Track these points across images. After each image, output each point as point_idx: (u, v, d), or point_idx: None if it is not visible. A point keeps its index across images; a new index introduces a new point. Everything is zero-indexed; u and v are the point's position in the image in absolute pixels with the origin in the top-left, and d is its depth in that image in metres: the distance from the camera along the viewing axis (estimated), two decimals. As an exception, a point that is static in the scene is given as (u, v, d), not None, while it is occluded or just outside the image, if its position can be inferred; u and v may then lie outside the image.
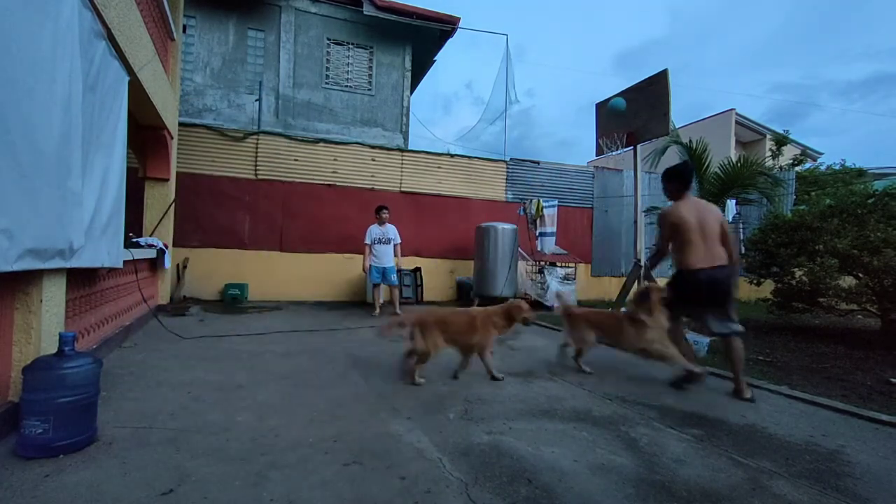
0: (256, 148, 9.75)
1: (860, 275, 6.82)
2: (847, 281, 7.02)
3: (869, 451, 2.89)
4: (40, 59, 2.53)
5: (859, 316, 9.09)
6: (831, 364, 5.41)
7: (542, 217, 10.52)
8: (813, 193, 13.41)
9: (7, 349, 2.66)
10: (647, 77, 5.88)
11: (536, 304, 10.02)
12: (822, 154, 23.64)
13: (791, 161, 20.19)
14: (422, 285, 10.42)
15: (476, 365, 4.80)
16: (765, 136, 22.01)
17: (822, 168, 20.90)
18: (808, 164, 21.35)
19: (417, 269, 10.51)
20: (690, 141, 9.25)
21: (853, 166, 19.79)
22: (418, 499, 2.13)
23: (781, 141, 20.50)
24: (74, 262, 3.12)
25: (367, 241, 8.05)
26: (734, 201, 10.33)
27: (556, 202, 10.70)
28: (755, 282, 8.52)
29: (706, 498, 2.22)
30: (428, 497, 2.14)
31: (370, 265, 8.04)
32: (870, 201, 7.31)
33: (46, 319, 2.87)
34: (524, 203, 11.03)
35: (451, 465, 2.45)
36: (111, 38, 3.78)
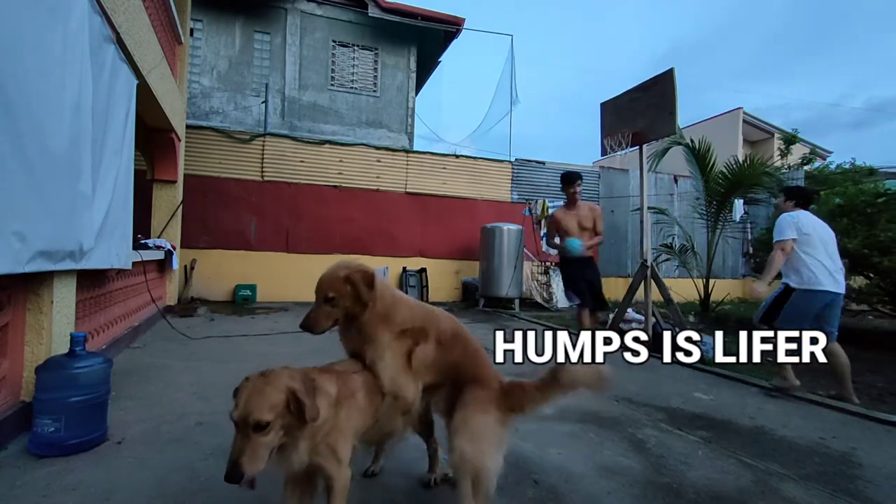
0: (263, 150, 9.81)
1: (871, 275, 6.77)
2: (857, 281, 6.97)
3: (881, 453, 2.87)
4: (51, 64, 2.56)
5: (870, 317, 9.02)
6: (841, 365, 5.37)
7: (547, 217, 10.52)
8: (822, 193, 13.30)
9: (19, 349, 2.69)
10: (652, 76, 5.85)
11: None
12: (831, 153, 23.46)
13: (800, 160, 20.04)
14: (427, 286, 10.43)
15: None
16: (773, 135, 21.85)
17: (832, 167, 20.73)
18: (818, 163, 21.18)
19: (423, 270, 10.53)
20: (692, 141, 9.21)
21: (863, 165, 19.62)
22: (423, 499, 2.14)
23: (790, 140, 20.35)
24: (84, 264, 3.16)
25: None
26: (741, 201, 10.27)
27: (561, 203, 10.68)
28: (763, 282, 8.45)
29: (714, 500, 2.22)
30: (433, 498, 2.15)
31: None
32: (880, 200, 7.25)
33: (57, 320, 2.90)
34: (529, 203, 11.03)
35: (458, 465, 2.45)
36: (120, 42, 3.81)
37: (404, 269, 10.43)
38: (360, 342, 1.84)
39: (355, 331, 1.85)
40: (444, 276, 10.95)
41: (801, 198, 4.46)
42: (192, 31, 8.97)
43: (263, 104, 11.32)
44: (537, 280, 10.43)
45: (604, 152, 6.45)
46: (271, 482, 1.64)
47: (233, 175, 9.57)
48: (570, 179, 5.56)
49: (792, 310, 4.06)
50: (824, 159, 22.54)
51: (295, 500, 1.62)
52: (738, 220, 10.85)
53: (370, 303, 1.80)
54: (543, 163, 12.41)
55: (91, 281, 3.87)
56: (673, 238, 10.71)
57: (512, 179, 11.76)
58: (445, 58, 14.55)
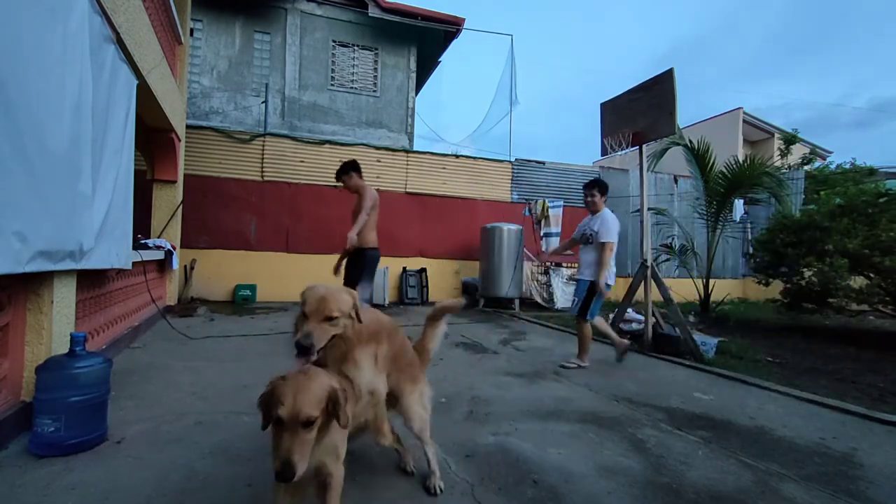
0: (263, 150, 9.81)
1: (871, 275, 6.78)
2: (858, 281, 6.97)
3: (882, 453, 2.87)
4: (51, 63, 2.56)
5: (871, 317, 9.03)
6: (842, 365, 5.37)
7: (547, 217, 10.52)
8: (822, 193, 13.31)
9: (20, 349, 2.69)
10: (653, 76, 5.85)
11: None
12: (831, 153, 23.47)
13: (800, 160, 20.05)
14: (427, 286, 10.44)
15: (481, 365, 4.83)
16: (773, 135, 21.86)
17: (832, 167, 20.73)
18: (818, 163, 21.19)
19: (423, 270, 10.54)
20: (691, 141, 9.21)
21: (864, 165, 19.63)
22: (424, 500, 2.14)
23: (790, 140, 20.36)
24: (84, 264, 3.16)
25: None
26: (742, 201, 10.27)
27: (561, 202, 10.70)
28: (764, 282, 8.48)
29: (714, 500, 2.22)
30: (433, 498, 2.16)
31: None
32: (881, 200, 7.26)
33: (57, 320, 2.90)
34: (529, 203, 11.03)
35: (457, 466, 2.46)
36: (120, 42, 3.81)
37: (404, 269, 10.43)
38: (341, 356, 1.90)
39: (335, 347, 1.89)
40: (443, 276, 10.96)
41: (607, 192, 5.11)
42: (192, 31, 8.98)
43: (263, 104, 11.32)
44: (537, 280, 10.42)
45: (604, 152, 6.44)
46: (267, 482, 1.64)
47: (233, 175, 9.57)
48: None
49: (599, 301, 4.78)
50: (824, 159, 22.56)
51: (287, 499, 1.63)
52: (738, 220, 10.85)
53: (356, 321, 1.91)
54: (543, 163, 12.41)
55: (91, 281, 3.87)
56: (673, 238, 10.73)
57: (512, 179, 11.76)
58: (445, 58, 14.59)
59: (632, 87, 6.13)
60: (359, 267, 5.30)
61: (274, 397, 1.45)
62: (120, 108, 3.91)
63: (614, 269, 4.80)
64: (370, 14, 12.15)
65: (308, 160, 10.13)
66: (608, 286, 4.70)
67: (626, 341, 5.03)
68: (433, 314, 2.50)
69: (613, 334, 5.03)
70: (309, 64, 12.49)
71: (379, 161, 10.65)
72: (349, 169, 5.44)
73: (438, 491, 2.19)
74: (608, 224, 4.76)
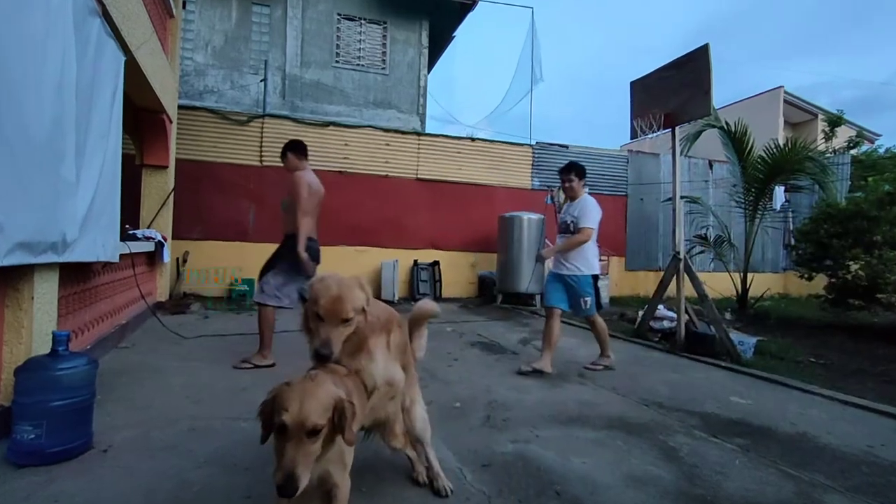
0: (261, 132, 9.80)
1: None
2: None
3: (937, 464, 2.81)
4: (31, 38, 2.53)
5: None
6: (891, 366, 5.31)
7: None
8: (870, 179, 13.12)
9: (-3, 349, 2.70)
10: (686, 53, 5.76)
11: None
12: (880, 136, 23.08)
13: (846, 143, 19.72)
14: (440, 280, 10.40)
15: (499, 367, 4.80)
16: (816, 117, 21.53)
17: (881, 151, 20.37)
18: (865, 147, 20.84)
19: (436, 263, 10.50)
20: (727, 123, 9.08)
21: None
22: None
23: (835, 122, 20.03)
24: (67, 257, 3.14)
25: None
26: (783, 188, 10.11)
27: (586, 190, 10.60)
28: (806, 276, 8.38)
29: (755, 516, 2.18)
30: (445, 505, 2.15)
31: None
32: (938, 187, 7.12)
33: (38, 318, 2.89)
34: (552, 191, 10.92)
35: (473, 476, 2.44)
36: (106, 16, 3.80)
37: (415, 262, 10.40)
38: (353, 350, 1.93)
39: (348, 341, 1.92)
40: (458, 270, 10.92)
41: (585, 176, 5.13)
42: (184, 3, 8.94)
43: (262, 83, 11.31)
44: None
45: (633, 135, 6.36)
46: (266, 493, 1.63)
47: (229, 160, 9.58)
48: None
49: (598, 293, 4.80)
50: (872, 142, 22.20)
51: None
52: (778, 208, 10.70)
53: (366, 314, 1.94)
54: (567, 146, 12.30)
55: (75, 275, 3.88)
56: (708, 228, 10.60)
57: (532, 164, 11.67)
58: (460, 32, 14.46)
59: (664, 64, 6.04)
60: (284, 255, 4.88)
61: (277, 404, 1.43)
62: (106, 88, 3.89)
63: (597, 261, 4.85)
64: (377, -15, 12.07)
65: (311, 143, 10.04)
66: (597, 276, 4.76)
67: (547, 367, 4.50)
68: (414, 318, 2.50)
69: (552, 348, 4.64)
70: (312, 39, 12.43)
71: (388, 145, 10.61)
72: (286, 150, 4.90)
73: (448, 492, 2.22)
74: (588, 209, 4.78)
